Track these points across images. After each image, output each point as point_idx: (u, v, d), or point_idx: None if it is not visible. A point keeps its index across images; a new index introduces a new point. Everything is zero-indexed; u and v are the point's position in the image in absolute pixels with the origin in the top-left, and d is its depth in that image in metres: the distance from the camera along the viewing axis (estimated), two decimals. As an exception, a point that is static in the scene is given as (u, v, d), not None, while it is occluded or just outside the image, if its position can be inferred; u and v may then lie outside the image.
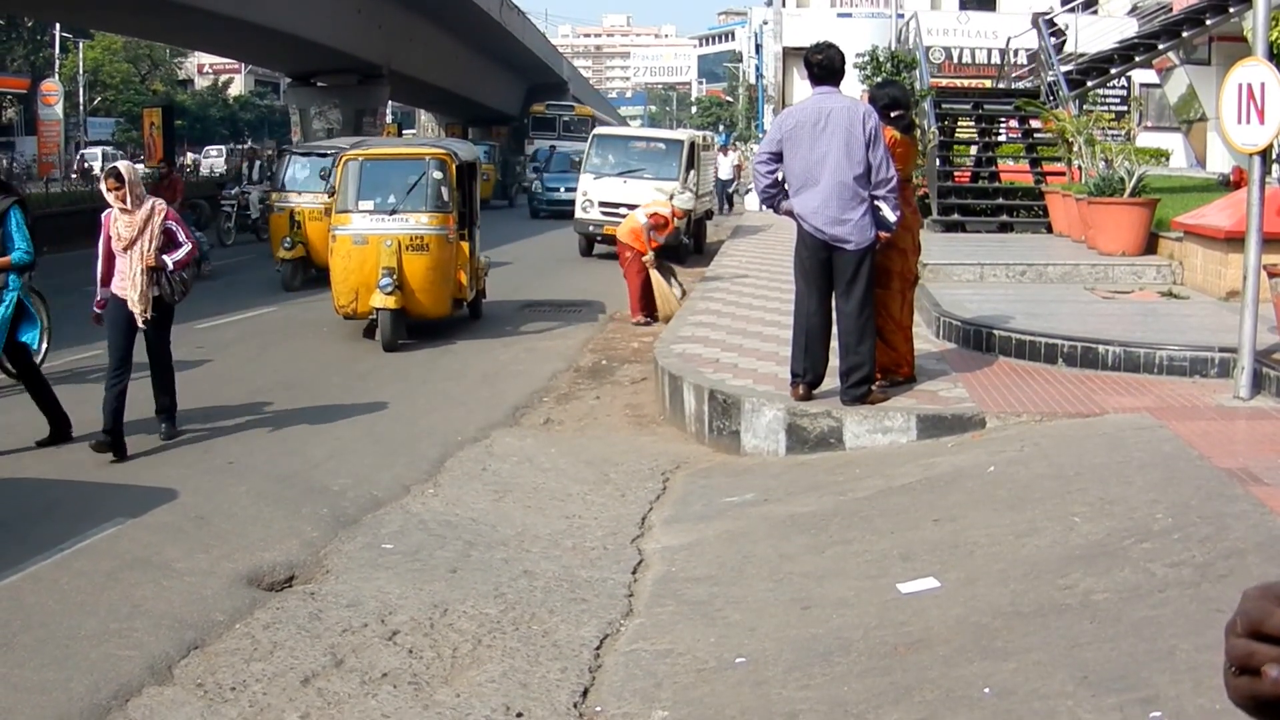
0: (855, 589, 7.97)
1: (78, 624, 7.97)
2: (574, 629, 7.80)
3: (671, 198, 22.66)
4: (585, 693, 6.89)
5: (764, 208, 12.42)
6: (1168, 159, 39.47)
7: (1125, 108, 39.85)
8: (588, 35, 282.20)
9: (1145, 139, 37.78)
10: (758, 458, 11.82)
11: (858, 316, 11.43)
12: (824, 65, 11.53)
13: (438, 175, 19.46)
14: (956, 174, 28.21)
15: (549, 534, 9.78)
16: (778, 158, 11.58)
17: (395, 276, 18.31)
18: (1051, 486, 9.32)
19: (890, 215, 11.41)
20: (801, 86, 59.25)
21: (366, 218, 19.03)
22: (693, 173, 31.90)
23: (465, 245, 19.94)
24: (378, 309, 18.36)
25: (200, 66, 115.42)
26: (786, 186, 11.68)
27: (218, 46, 68.87)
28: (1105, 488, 9.01)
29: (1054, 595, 7.22)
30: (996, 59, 43.80)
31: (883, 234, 11.49)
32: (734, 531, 9.58)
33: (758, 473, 11.31)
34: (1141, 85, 44.59)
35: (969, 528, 8.75)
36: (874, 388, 11.71)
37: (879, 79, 23.90)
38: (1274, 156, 11.71)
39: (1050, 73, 28.24)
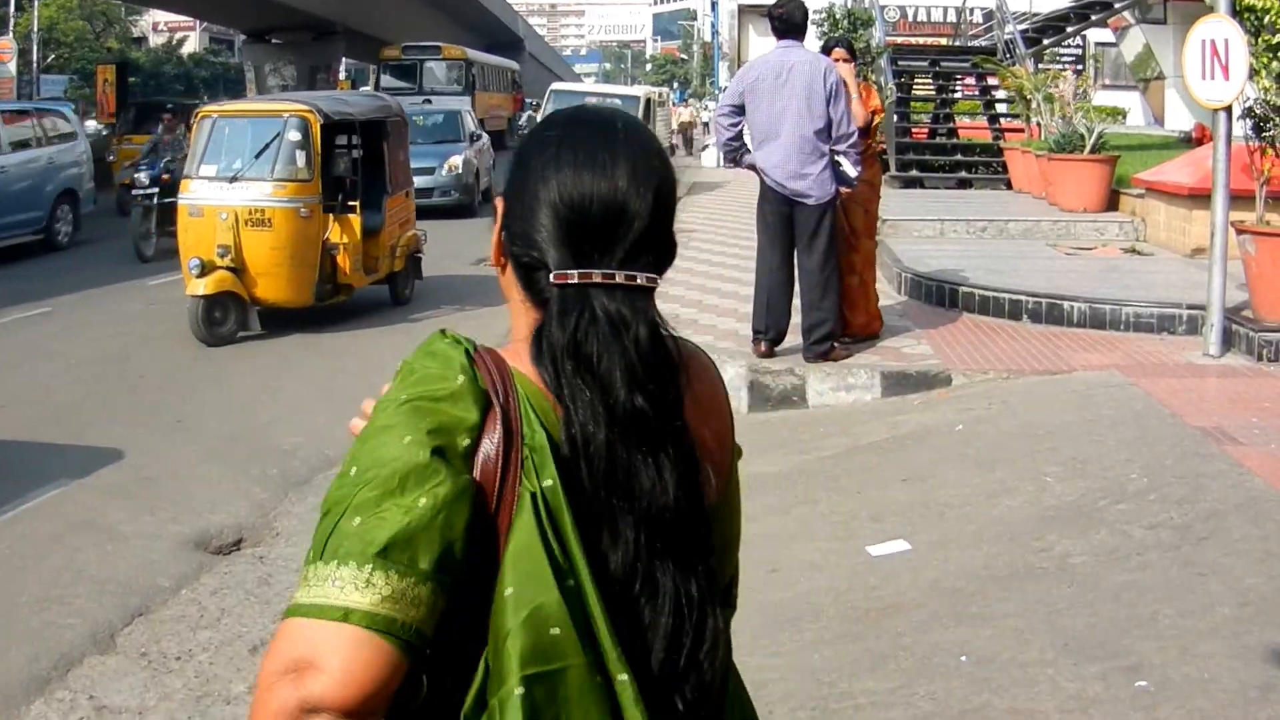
0: (823, 551, 7.72)
1: (17, 590, 7.68)
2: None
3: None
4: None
5: (726, 163, 12.12)
6: (1125, 117, 39.31)
7: (1081, 66, 39.65)
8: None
9: (1102, 97, 37.68)
10: (719, 416, 11.46)
11: (819, 272, 11.20)
12: (784, 19, 11.32)
13: (294, 137, 16.01)
14: (914, 130, 28.03)
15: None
16: (739, 111, 11.37)
17: (231, 256, 15.14)
18: (1022, 445, 9.13)
19: (851, 170, 11.16)
20: (758, 44, 59.12)
21: (206, 185, 15.73)
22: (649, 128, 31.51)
23: (353, 220, 16.38)
24: (189, 295, 15.16)
25: (155, 24, 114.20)
26: (748, 140, 11.48)
27: (173, 3, 68.19)
28: (1077, 446, 8.83)
29: (1029, 558, 7.01)
30: (952, 18, 43.57)
31: (844, 189, 11.22)
32: (696, 492, 9.24)
33: (719, 432, 10.96)
34: (1097, 44, 44.35)
35: (939, 488, 8.54)
36: (837, 345, 11.46)
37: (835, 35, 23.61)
38: (1238, 113, 11.45)
39: (1007, 30, 28.03)
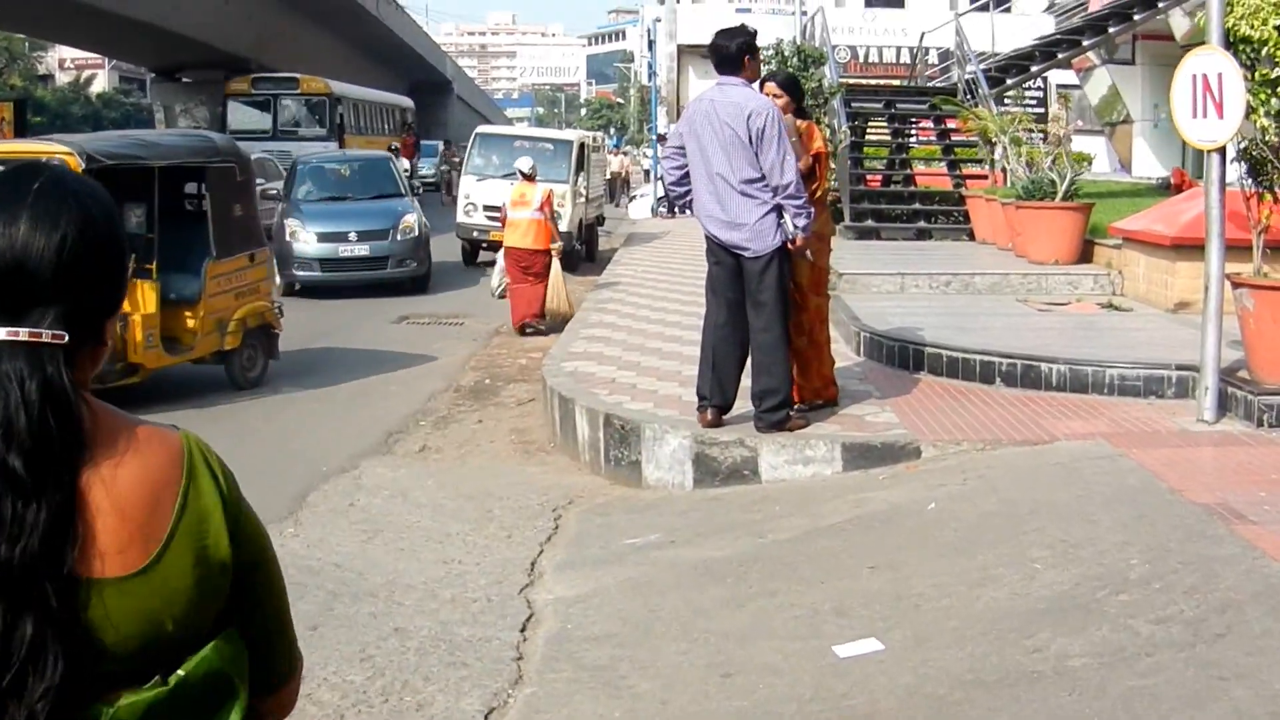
0: (784, 652, 7.22)
1: None
2: (453, 700, 7.04)
3: (528, 175, 22.35)
4: (467, 784, 6.09)
5: (669, 211, 11.68)
6: (1090, 163, 39.28)
7: (1042, 109, 39.62)
8: (472, 34, 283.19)
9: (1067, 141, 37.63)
10: (661, 491, 11.04)
11: (768, 331, 10.71)
12: (715, 50, 10.95)
13: None
14: (868, 178, 27.75)
15: (424, 583, 8.93)
16: (683, 152, 10.98)
17: None
18: (1004, 527, 8.71)
19: (790, 225, 10.64)
20: (697, 86, 58.88)
21: None
22: (582, 175, 31.59)
23: (145, 287, 14.40)
24: None
25: (61, 61, 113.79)
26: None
27: (78, 39, 67.86)
28: (1067, 528, 8.40)
29: (1022, 660, 6.57)
30: (906, 59, 43.47)
31: (791, 244, 10.73)
32: (638, 580, 8.79)
33: (662, 509, 10.55)
34: (1059, 86, 44.41)
35: (912, 576, 8.07)
36: (792, 412, 10.94)
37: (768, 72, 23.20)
38: (1232, 155, 11.08)
39: (969, 68, 27.84)
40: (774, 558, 8.85)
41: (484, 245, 30.19)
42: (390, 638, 7.88)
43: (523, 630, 8.02)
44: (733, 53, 10.85)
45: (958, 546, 8.44)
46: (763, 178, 10.55)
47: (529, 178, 21.93)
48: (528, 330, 20.43)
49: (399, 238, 26.20)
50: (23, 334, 2.05)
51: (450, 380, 16.78)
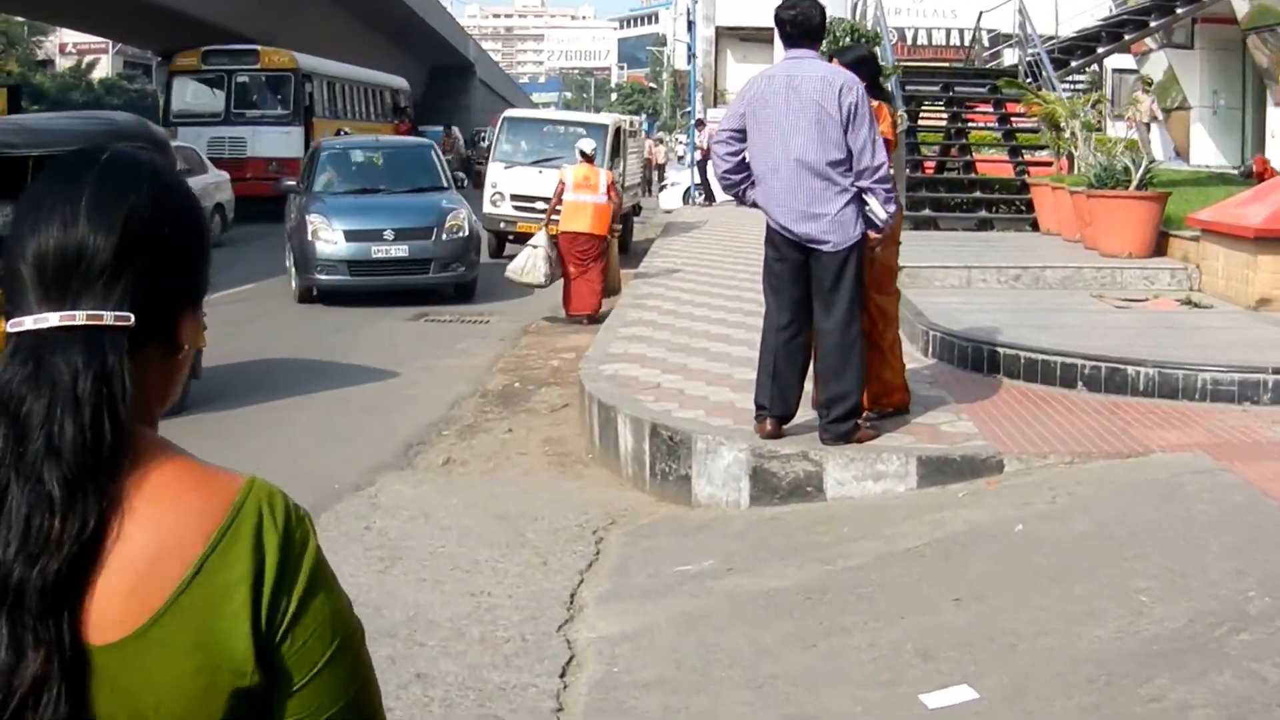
0: (864, 701, 6.72)
1: None
2: (484, 759, 6.48)
3: (589, 156, 22.28)
4: None
5: (735, 200, 11.05)
6: (1126, 151, 38.85)
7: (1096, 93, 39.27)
8: (497, 15, 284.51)
9: (1117, 128, 37.20)
10: (714, 510, 10.51)
11: (841, 334, 10.12)
12: (797, 22, 10.23)
13: None
14: (925, 164, 27.32)
15: (449, 619, 8.37)
16: (740, 136, 10.35)
17: None
18: (1101, 552, 8.24)
19: (880, 211, 10.04)
20: (735, 70, 58.70)
21: None
22: (618, 161, 31.13)
23: None
24: None
25: (63, 46, 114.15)
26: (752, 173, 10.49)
27: (82, 21, 67.74)
28: (1172, 554, 7.96)
29: (1138, 712, 6.13)
30: (955, 40, 43.02)
31: (873, 234, 10.13)
32: (692, 614, 8.25)
33: (716, 530, 10.01)
34: (1114, 70, 43.96)
35: (1003, 610, 7.60)
36: (861, 422, 10.38)
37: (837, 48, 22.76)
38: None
39: (1032, 49, 27.36)
40: (845, 587, 8.33)
41: (510, 237, 29.66)
42: (411, 685, 7.33)
43: (563, 675, 7.49)
44: (816, 24, 10.31)
45: (1051, 575, 7.97)
46: (847, 161, 9.97)
47: (589, 159, 21.66)
48: (585, 320, 20.43)
49: (444, 237, 23.58)
50: (80, 316, 1.92)
51: (476, 384, 16.32)
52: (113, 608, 1.88)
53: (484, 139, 66.18)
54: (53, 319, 1.92)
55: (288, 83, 43.04)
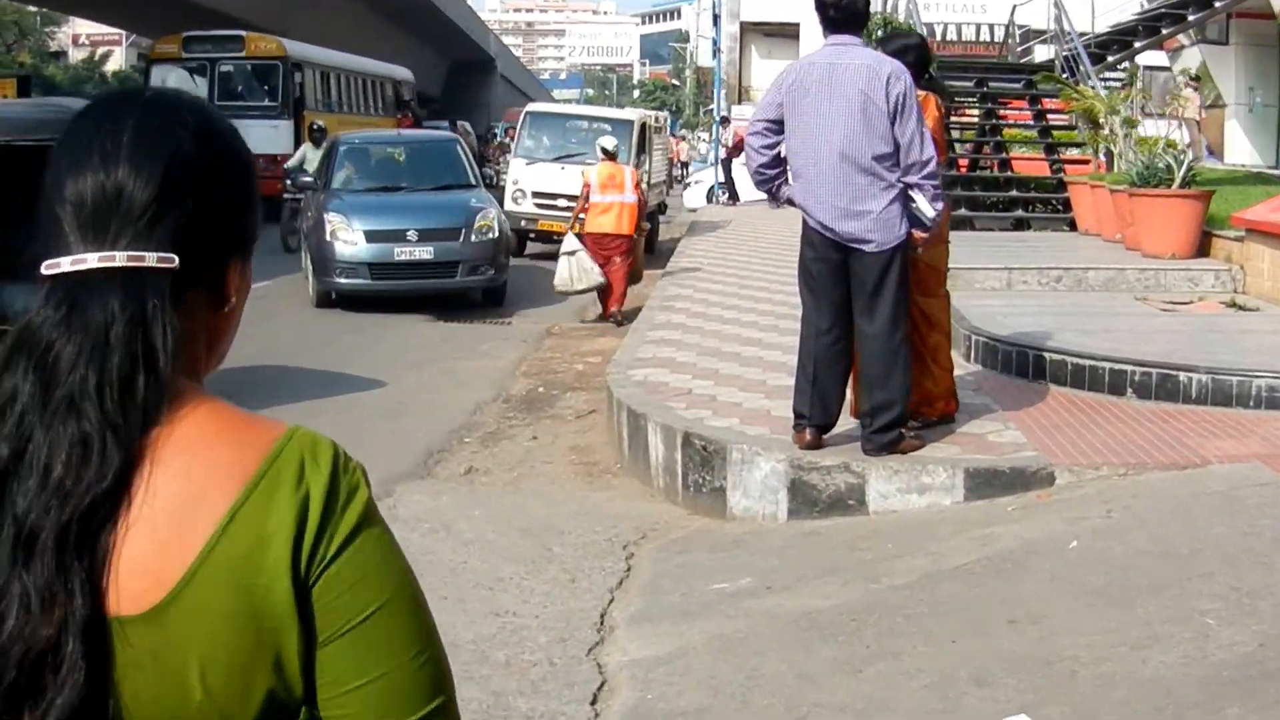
0: None
1: None
2: (510, 797, 6.23)
3: (611, 153, 22.38)
4: None
5: (768, 199, 10.70)
6: (1176, 148, 38.71)
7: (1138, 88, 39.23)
8: (518, 10, 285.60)
9: (1148, 126, 36.99)
10: (750, 524, 10.21)
11: (886, 339, 9.78)
12: (841, 5, 9.84)
13: None
14: (959, 161, 27.11)
15: (472, 641, 8.11)
16: (777, 127, 9.93)
17: None
18: (1162, 571, 7.94)
19: (928, 209, 9.69)
20: (760, 66, 58.51)
21: None
22: (644, 158, 31.06)
23: None
24: None
25: (75, 37, 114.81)
26: (789, 168, 10.11)
27: (95, 12, 67.90)
28: (1237, 572, 7.67)
29: None
30: (986, 36, 42.92)
31: (918, 234, 9.80)
32: (730, 636, 7.94)
33: (752, 546, 9.71)
34: (1145, 68, 43.78)
35: (1060, 633, 7.26)
36: (906, 432, 10.07)
37: (879, 35, 22.49)
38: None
39: (1068, 44, 27.14)
40: (892, 608, 8.02)
41: (531, 235, 29.46)
42: (433, 712, 7.04)
43: (594, 703, 7.22)
44: (861, 8, 9.95)
45: (1110, 596, 7.66)
46: (893, 155, 9.60)
47: (612, 156, 21.52)
48: (614, 319, 20.59)
49: (473, 238, 22.52)
50: (120, 257, 1.84)
51: (498, 389, 16.06)
52: (140, 573, 1.79)
53: (495, 135, 65.90)
54: (90, 259, 1.84)
55: (275, 72, 41.28)
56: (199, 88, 38.32)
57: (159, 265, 1.85)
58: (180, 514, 1.80)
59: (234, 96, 39.79)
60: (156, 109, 1.98)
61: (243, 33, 42.14)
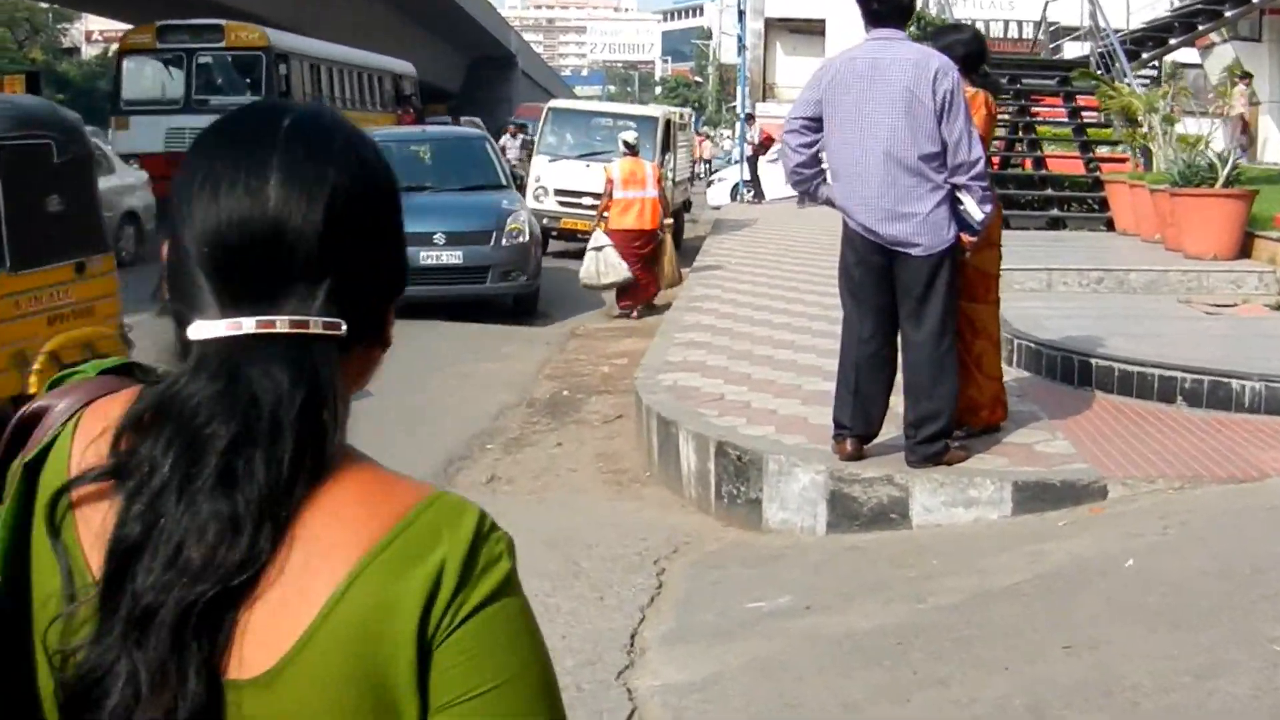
0: None
1: None
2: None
3: (633, 148, 22.47)
4: None
5: (801, 198, 10.33)
6: (1208, 148, 38.50)
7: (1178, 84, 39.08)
8: (539, 7, 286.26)
9: (1187, 124, 36.78)
10: (787, 537, 9.87)
11: (933, 347, 9.42)
12: None
13: None
14: (992, 159, 26.83)
15: (496, 663, 7.72)
16: (815, 125, 9.54)
17: None
18: (1224, 591, 7.60)
19: (976, 212, 9.32)
20: (785, 64, 58.25)
21: None
22: (669, 156, 30.89)
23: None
24: None
25: (89, 33, 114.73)
26: (827, 167, 9.73)
27: (108, 8, 67.93)
28: None
29: None
30: (1014, 33, 42.85)
31: (966, 237, 9.44)
32: (768, 660, 7.60)
33: (790, 561, 9.36)
34: (1176, 65, 43.58)
35: (1119, 659, 6.91)
36: (952, 442, 9.72)
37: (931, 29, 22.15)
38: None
39: (1103, 40, 26.86)
40: (939, 630, 7.67)
41: (554, 233, 29.10)
42: (454, 742, 6.71)
43: (625, 732, 6.85)
44: (906, 2, 9.64)
45: (1171, 618, 7.32)
46: (941, 155, 9.22)
47: (633, 150, 21.38)
48: (633, 314, 20.87)
49: (504, 242, 21.69)
50: (282, 323, 1.69)
51: (522, 393, 15.75)
52: (256, 636, 1.68)
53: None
54: (247, 324, 1.68)
55: (258, 64, 37.75)
56: (175, 80, 37.19)
57: (325, 332, 1.71)
58: (301, 576, 1.69)
59: (214, 91, 37.13)
60: (306, 131, 1.78)
61: (222, 21, 39.30)
